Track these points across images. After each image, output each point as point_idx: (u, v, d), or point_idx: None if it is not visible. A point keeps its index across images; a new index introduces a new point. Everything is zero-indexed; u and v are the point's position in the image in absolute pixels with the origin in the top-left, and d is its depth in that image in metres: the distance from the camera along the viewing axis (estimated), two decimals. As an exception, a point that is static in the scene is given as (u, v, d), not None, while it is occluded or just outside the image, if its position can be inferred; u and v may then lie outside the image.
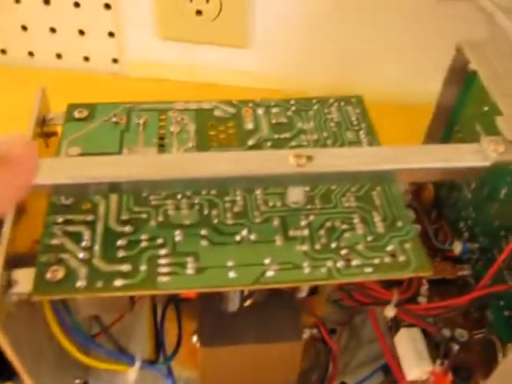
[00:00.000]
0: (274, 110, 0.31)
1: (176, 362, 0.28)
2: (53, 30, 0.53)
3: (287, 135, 0.30)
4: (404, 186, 0.37)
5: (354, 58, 0.52)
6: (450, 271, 0.32)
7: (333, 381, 0.32)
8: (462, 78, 0.31)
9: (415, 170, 0.24)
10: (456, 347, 0.30)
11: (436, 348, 0.30)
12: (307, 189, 0.27)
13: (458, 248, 0.31)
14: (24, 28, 0.53)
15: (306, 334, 0.27)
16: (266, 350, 0.28)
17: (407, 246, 0.25)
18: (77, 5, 0.51)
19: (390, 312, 0.26)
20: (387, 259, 0.24)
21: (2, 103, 0.48)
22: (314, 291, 0.28)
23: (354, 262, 0.24)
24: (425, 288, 0.32)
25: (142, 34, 0.52)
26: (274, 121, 0.30)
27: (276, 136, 0.30)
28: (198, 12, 0.49)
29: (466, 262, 0.31)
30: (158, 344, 0.28)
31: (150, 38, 0.52)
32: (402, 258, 0.24)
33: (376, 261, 0.24)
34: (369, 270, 0.24)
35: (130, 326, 0.30)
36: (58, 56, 0.55)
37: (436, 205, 0.35)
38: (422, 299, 0.31)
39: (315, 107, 0.31)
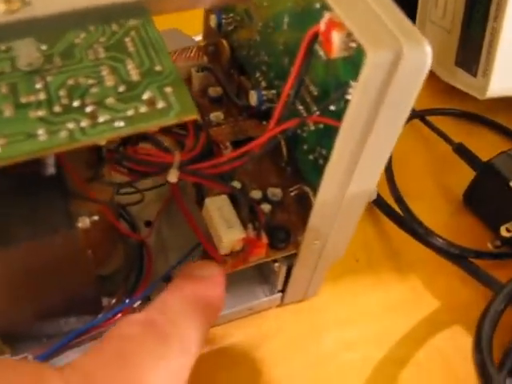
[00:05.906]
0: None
1: None
2: None
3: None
4: (195, 43, 0.33)
5: None
6: (254, 129, 0.29)
7: (149, 273, 0.28)
8: None
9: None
10: (268, 208, 0.27)
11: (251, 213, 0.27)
12: (44, 47, 0.22)
13: (253, 98, 0.27)
14: None
15: (84, 222, 0.23)
16: (38, 249, 0.23)
17: (168, 90, 0.20)
18: None
19: (172, 177, 0.22)
20: (143, 109, 0.20)
21: None
22: (93, 178, 0.24)
23: (102, 119, 0.19)
24: (228, 151, 0.28)
25: None
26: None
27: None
28: None
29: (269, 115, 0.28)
30: None
31: None
32: (161, 105, 0.20)
33: (129, 112, 0.20)
34: (120, 124, 0.19)
35: None
36: None
37: (234, 63, 0.31)
38: (228, 164, 0.28)
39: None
